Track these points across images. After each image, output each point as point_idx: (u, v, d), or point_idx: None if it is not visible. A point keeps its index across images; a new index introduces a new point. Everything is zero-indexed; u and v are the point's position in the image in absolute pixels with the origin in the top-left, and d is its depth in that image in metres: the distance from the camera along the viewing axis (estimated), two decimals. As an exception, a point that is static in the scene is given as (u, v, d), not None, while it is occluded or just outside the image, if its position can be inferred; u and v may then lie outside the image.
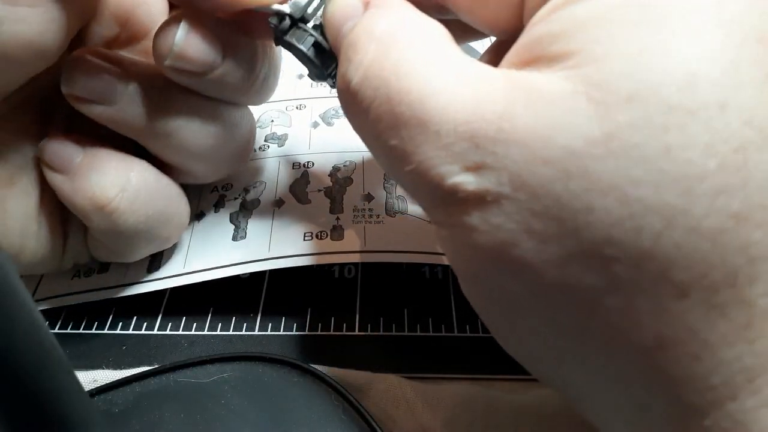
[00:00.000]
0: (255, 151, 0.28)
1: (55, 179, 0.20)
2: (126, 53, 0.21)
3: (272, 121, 0.30)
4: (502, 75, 0.13)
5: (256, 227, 0.24)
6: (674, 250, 0.11)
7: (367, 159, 0.27)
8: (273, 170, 0.27)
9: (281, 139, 0.29)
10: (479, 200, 0.13)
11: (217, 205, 0.26)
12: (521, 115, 0.12)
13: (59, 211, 0.21)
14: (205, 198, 0.26)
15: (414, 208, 0.25)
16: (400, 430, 0.20)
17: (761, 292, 0.11)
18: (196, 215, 0.25)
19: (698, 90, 0.11)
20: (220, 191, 0.26)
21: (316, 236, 0.24)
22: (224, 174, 0.24)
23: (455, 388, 0.21)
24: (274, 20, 0.18)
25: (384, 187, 0.26)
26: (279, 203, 0.25)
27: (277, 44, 0.18)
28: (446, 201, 0.13)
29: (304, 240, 0.24)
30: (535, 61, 0.13)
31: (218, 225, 0.25)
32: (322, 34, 0.17)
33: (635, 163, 0.11)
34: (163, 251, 0.24)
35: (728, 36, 0.11)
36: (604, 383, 0.13)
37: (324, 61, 0.18)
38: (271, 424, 0.19)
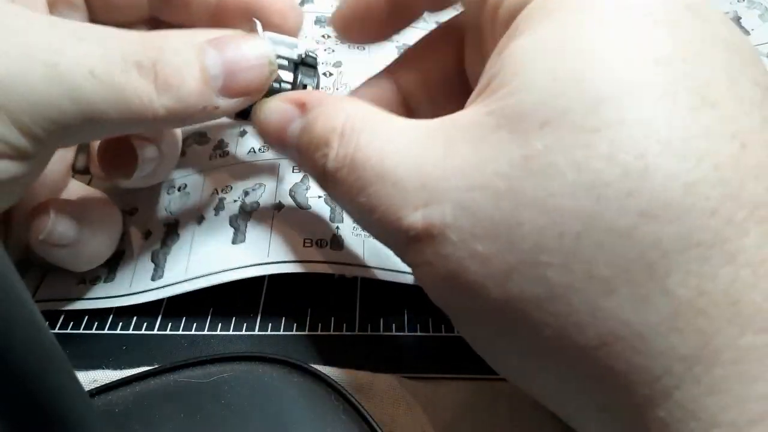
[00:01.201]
0: (254, 152, 0.28)
1: None
2: None
3: None
4: (441, 124, 0.16)
5: (255, 230, 0.24)
6: (595, 249, 0.13)
7: None
8: (272, 172, 0.27)
9: None
10: (428, 235, 0.15)
11: (217, 209, 0.25)
12: (458, 153, 0.14)
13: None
14: (205, 202, 0.26)
15: None
16: (400, 430, 0.20)
17: (678, 282, 0.12)
18: (197, 219, 0.25)
19: (601, 111, 0.13)
20: (220, 194, 0.26)
21: (316, 244, 0.24)
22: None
23: (455, 388, 0.21)
24: None
25: None
26: (278, 207, 0.25)
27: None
28: (406, 241, 0.15)
29: (304, 246, 0.24)
30: (480, 94, 0.15)
31: (218, 228, 0.25)
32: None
33: (552, 178, 0.13)
34: (166, 257, 0.24)
35: (630, 61, 0.13)
36: (564, 385, 0.14)
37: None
38: (271, 424, 0.19)
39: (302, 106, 0.18)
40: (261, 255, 0.23)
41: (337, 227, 0.25)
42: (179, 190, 0.27)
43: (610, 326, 0.13)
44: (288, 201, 0.26)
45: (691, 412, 0.12)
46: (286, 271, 0.23)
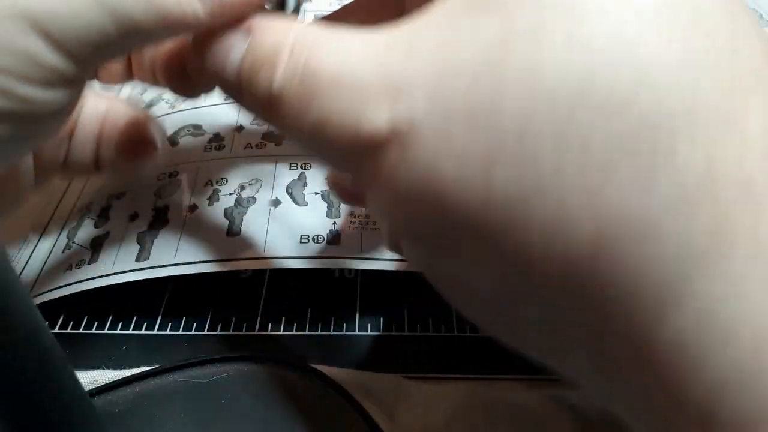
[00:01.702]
0: (251, 147, 0.28)
1: None
2: None
3: None
4: (407, 22, 0.14)
5: (251, 224, 0.24)
6: (590, 124, 0.11)
7: None
8: (269, 168, 0.27)
9: (278, 138, 0.29)
10: (395, 137, 0.13)
11: (211, 199, 0.26)
12: (427, 43, 0.13)
13: None
14: (198, 191, 0.26)
15: None
16: (400, 430, 0.20)
17: (685, 152, 0.11)
18: (189, 207, 0.25)
19: None
20: (214, 185, 0.26)
21: (313, 239, 0.24)
22: None
23: (455, 388, 0.21)
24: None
25: None
26: (276, 203, 0.25)
27: None
28: (366, 151, 0.13)
29: (301, 242, 0.24)
30: None
31: (212, 218, 0.25)
32: None
33: (537, 51, 0.11)
34: (153, 240, 0.24)
35: None
36: (549, 316, 0.13)
37: None
38: (271, 424, 0.19)
39: (248, 30, 0.16)
40: (257, 249, 0.23)
41: (334, 222, 0.25)
42: (170, 176, 0.27)
43: (611, 215, 0.11)
44: (285, 197, 0.26)
45: (706, 324, 0.11)
46: (283, 267, 0.23)
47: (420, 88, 0.13)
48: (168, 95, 0.32)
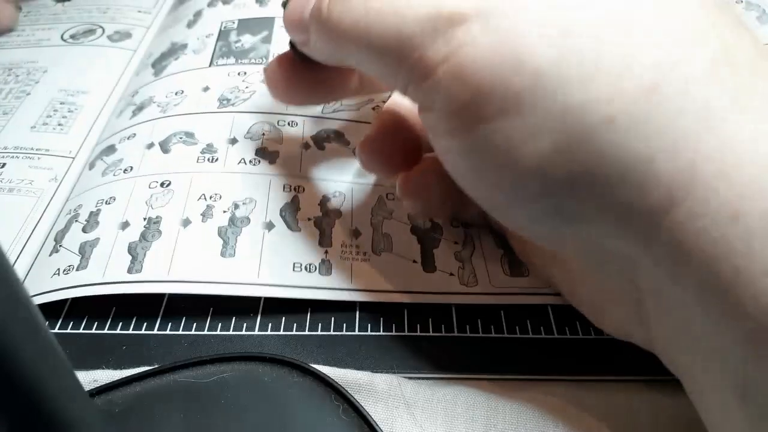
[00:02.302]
0: (245, 163, 0.28)
1: None
2: None
3: (263, 134, 0.29)
4: None
5: (245, 247, 0.24)
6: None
7: (356, 191, 0.27)
8: (263, 188, 0.27)
9: (272, 156, 0.28)
10: (480, 10, 0.15)
11: (204, 215, 0.25)
12: None
13: None
14: (191, 205, 0.26)
15: (398, 248, 0.25)
16: (399, 430, 0.20)
17: None
18: (182, 221, 0.25)
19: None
20: (208, 200, 0.26)
21: (306, 268, 0.24)
22: None
23: (455, 388, 0.21)
24: None
25: (371, 224, 0.26)
26: (269, 226, 0.25)
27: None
28: (447, 27, 0.16)
29: (294, 271, 0.24)
30: None
31: (205, 236, 0.25)
32: None
33: None
34: (145, 252, 0.24)
35: None
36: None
37: None
38: (271, 424, 0.19)
39: None
40: (251, 274, 0.23)
41: (326, 251, 0.25)
42: (162, 186, 0.27)
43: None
44: (278, 220, 0.25)
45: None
46: (277, 296, 0.23)
47: None
48: (160, 98, 0.32)
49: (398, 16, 0.16)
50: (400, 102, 0.23)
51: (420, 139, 0.23)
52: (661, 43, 0.15)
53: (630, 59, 0.14)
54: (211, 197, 0.26)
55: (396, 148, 0.23)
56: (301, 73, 0.23)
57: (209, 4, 0.39)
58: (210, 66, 0.34)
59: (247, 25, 0.37)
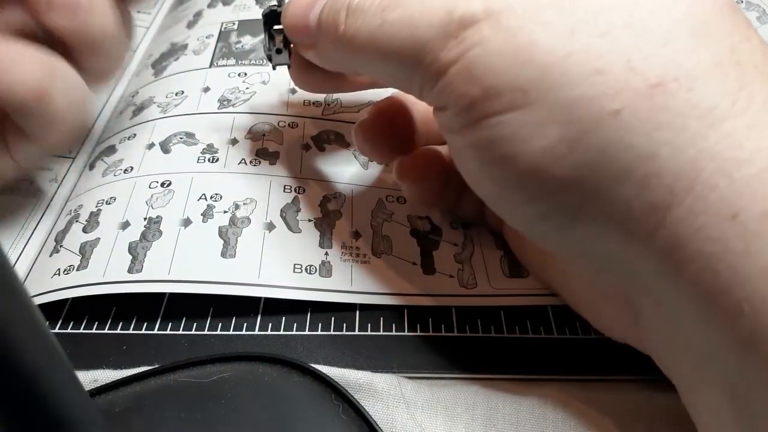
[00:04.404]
0: (245, 163, 0.28)
1: None
2: None
3: (264, 135, 0.29)
4: None
5: (246, 248, 0.24)
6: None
7: (356, 193, 0.27)
8: (264, 189, 0.27)
9: (272, 157, 0.28)
10: (488, 14, 0.16)
11: (205, 215, 0.25)
12: None
13: None
14: (192, 205, 0.26)
15: (398, 250, 0.25)
16: (400, 430, 0.20)
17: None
18: (183, 221, 0.25)
19: None
20: (208, 200, 0.26)
21: (306, 270, 0.24)
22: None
23: (455, 388, 0.21)
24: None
25: (371, 226, 0.26)
26: (270, 227, 0.25)
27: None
28: (456, 28, 0.16)
29: (294, 272, 0.24)
30: None
31: (206, 237, 0.25)
32: None
33: None
34: (145, 252, 0.24)
35: None
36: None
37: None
38: (271, 424, 0.19)
39: None
40: (252, 275, 0.23)
41: (326, 253, 0.25)
42: (162, 186, 0.27)
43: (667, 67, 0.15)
44: (278, 221, 0.25)
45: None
46: (277, 297, 0.23)
47: None
48: (160, 99, 0.32)
49: (413, 25, 0.17)
50: (401, 94, 0.24)
51: (414, 125, 0.24)
52: (669, 41, 0.15)
53: (637, 55, 0.15)
54: (211, 197, 0.26)
55: (389, 132, 0.24)
56: (309, 71, 0.24)
57: (209, 5, 0.39)
58: (210, 67, 0.34)
59: (247, 27, 0.37)
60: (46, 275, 0.24)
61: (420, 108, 0.24)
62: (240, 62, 0.34)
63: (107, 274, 0.23)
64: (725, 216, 0.14)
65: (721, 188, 0.14)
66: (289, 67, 0.24)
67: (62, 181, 0.30)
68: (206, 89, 0.32)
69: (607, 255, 0.17)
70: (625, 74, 0.15)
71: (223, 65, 0.34)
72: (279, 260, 0.24)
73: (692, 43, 0.15)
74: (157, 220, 0.25)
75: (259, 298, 0.24)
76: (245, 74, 0.33)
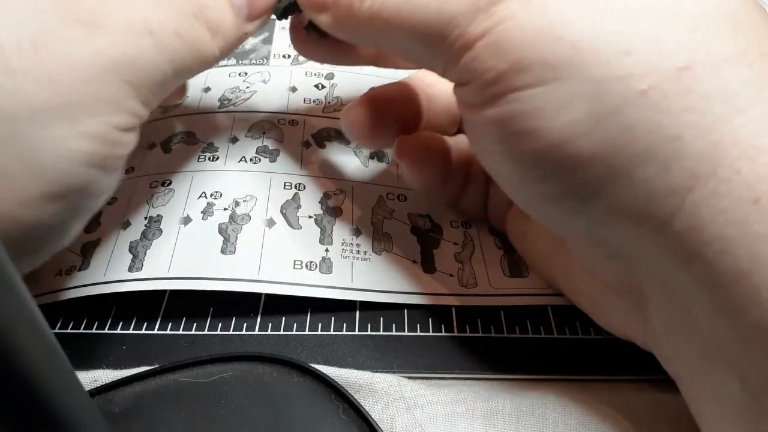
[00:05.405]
0: (245, 161, 0.28)
1: None
2: None
3: (264, 132, 0.29)
4: None
5: (246, 244, 0.24)
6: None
7: (357, 190, 0.27)
8: (264, 186, 0.27)
9: (273, 154, 0.28)
10: None
11: (205, 213, 0.25)
12: None
13: None
14: (192, 203, 0.26)
15: (398, 248, 0.25)
16: (399, 430, 0.20)
17: None
18: (183, 219, 0.25)
19: None
20: (208, 198, 0.26)
21: (306, 266, 0.24)
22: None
23: (455, 388, 0.21)
24: None
25: (372, 223, 0.26)
26: (270, 223, 0.25)
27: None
28: (486, 4, 0.16)
29: (294, 268, 0.24)
30: None
31: (206, 234, 0.25)
32: None
33: None
34: (146, 251, 0.24)
35: None
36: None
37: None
38: (271, 424, 0.19)
39: None
40: (252, 271, 0.23)
41: (326, 249, 0.25)
42: (163, 185, 0.27)
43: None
44: (278, 218, 0.25)
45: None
46: (277, 293, 0.23)
47: None
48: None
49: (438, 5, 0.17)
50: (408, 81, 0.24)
51: (400, 115, 0.24)
52: (698, 27, 0.15)
53: (666, 38, 0.15)
54: (211, 195, 0.26)
55: (377, 116, 0.24)
56: (317, 44, 0.23)
57: None
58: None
59: None
60: (49, 275, 0.24)
61: (425, 100, 0.24)
62: (240, 62, 0.34)
63: (108, 273, 0.23)
64: (747, 200, 0.14)
65: (744, 173, 0.14)
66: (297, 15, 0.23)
67: None
68: (207, 89, 0.32)
69: (618, 240, 0.17)
70: (654, 56, 0.15)
71: (224, 65, 0.34)
72: (279, 256, 0.24)
73: (721, 31, 0.15)
74: (158, 219, 0.25)
75: (260, 297, 0.24)
76: (246, 74, 0.33)
